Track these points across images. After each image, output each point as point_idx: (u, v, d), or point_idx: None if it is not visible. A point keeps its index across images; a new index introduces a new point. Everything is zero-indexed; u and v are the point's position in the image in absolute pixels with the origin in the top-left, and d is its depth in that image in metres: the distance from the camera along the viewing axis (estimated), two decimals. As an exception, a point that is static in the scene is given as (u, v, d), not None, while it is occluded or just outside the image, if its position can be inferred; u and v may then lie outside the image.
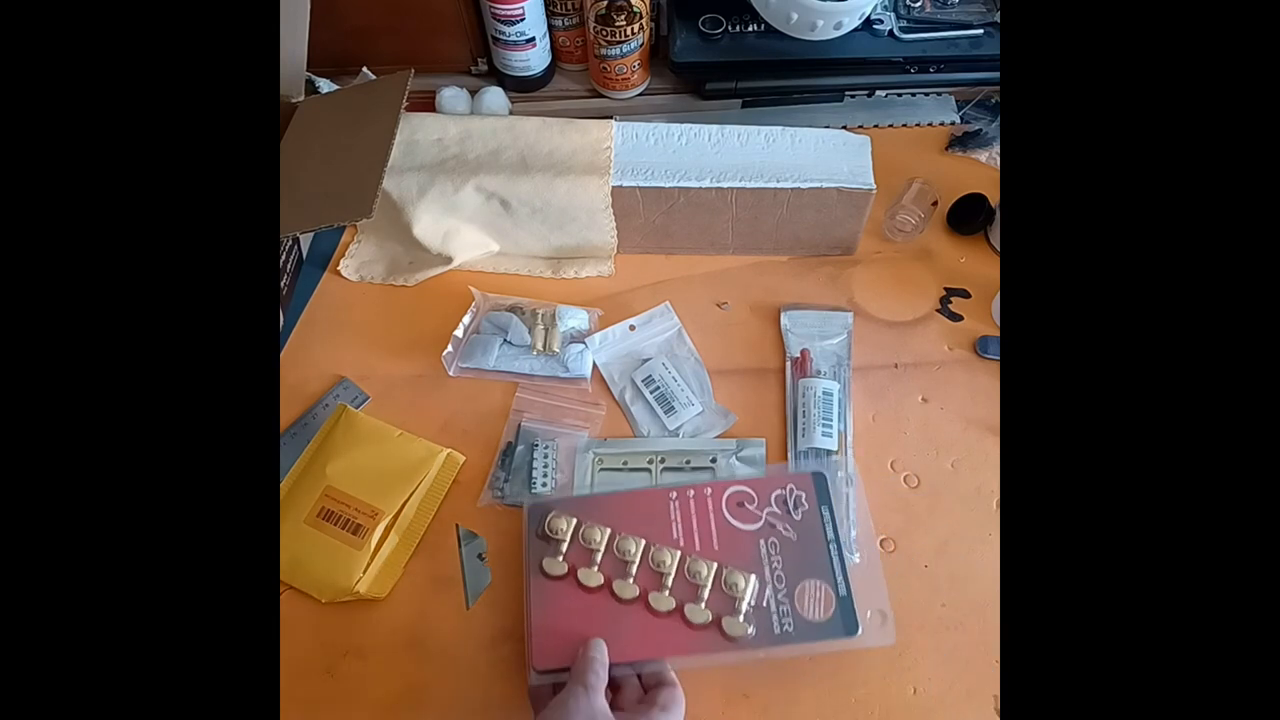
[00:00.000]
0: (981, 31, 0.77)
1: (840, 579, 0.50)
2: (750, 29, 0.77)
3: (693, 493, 0.53)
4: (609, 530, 0.52)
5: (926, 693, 0.51)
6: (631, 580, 0.50)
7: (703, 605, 0.49)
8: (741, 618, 0.48)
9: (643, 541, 0.51)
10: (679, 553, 0.51)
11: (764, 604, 0.49)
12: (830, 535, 0.51)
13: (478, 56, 0.81)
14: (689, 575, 0.50)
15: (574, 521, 0.52)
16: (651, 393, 0.61)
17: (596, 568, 0.51)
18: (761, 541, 0.51)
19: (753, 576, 0.50)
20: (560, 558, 0.51)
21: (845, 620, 0.48)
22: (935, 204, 0.69)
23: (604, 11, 0.72)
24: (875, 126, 0.78)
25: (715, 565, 0.50)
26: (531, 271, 0.69)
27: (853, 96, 0.80)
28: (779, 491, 0.53)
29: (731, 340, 0.65)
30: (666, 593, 0.50)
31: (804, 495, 0.53)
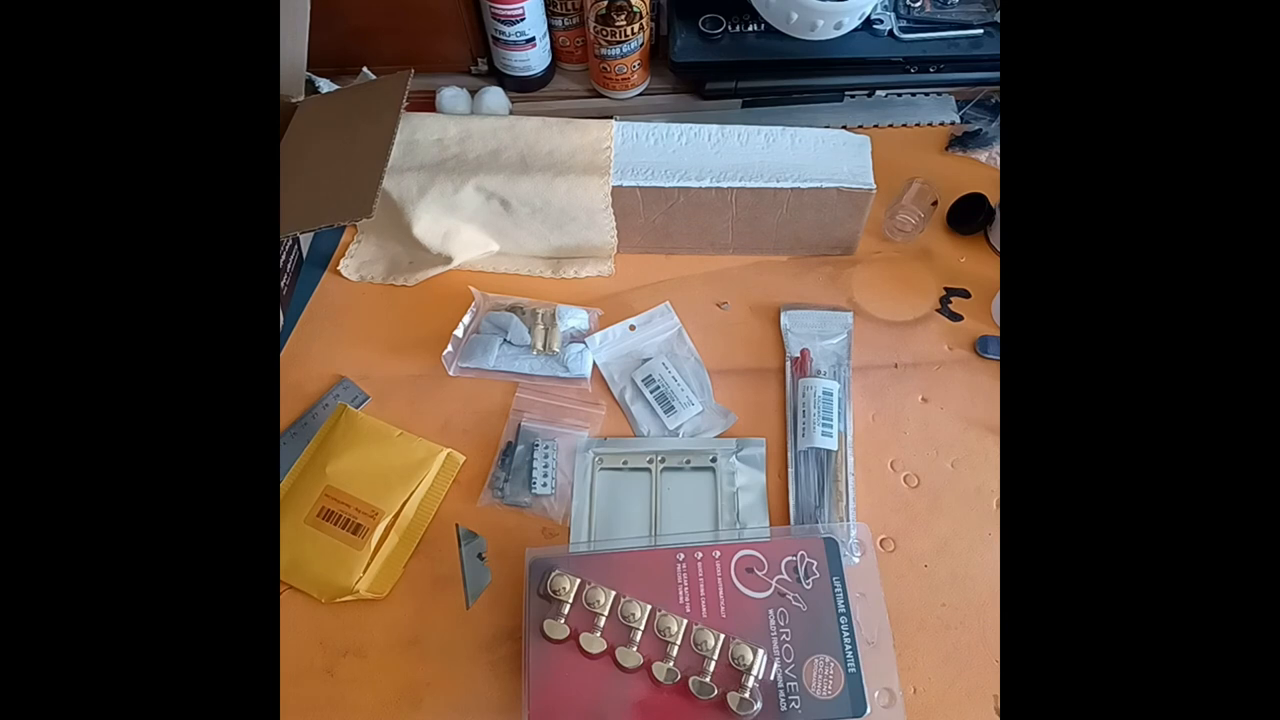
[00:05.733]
0: (981, 31, 0.77)
1: (850, 655, 0.48)
2: (750, 29, 0.77)
3: (700, 555, 0.51)
4: (613, 593, 0.50)
5: (926, 692, 0.51)
6: (635, 648, 0.48)
7: (708, 678, 0.47)
8: (747, 693, 0.47)
9: (648, 607, 0.49)
10: (685, 621, 0.49)
11: (771, 679, 0.48)
12: (841, 607, 0.50)
13: (478, 56, 0.81)
14: (695, 645, 0.48)
15: (577, 582, 0.50)
16: (651, 392, 0.61)
17: (599, 633, 0.49)
18: (770, 611, 0.50)
19: (760, 651, 0.48)
20: (562, 620, 0.49)
21: (854, 699, 0.47)
22: (935, 204, 0.69)
23: (604, 11, 0.72)
24: (875, 126, 0.78)
25: (722, 636, 0.48)
26: (531, 271, 0.69)
27: (853, 96, 0.80)
28: (790, 558, 0.51)
29: (731, 340, 0.65)
30: (671, 663, 0.48)
31: (815, 563, 0.51)
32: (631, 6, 0.72)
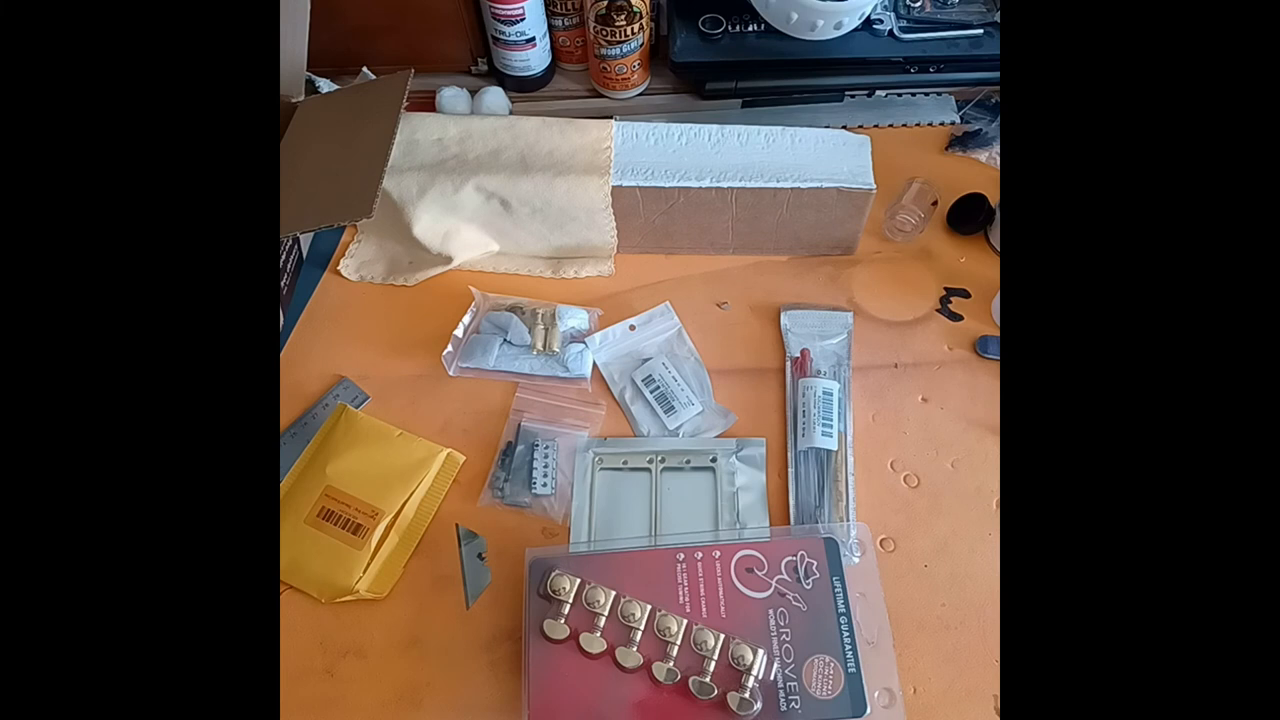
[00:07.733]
0: (981, 31, 0.77)
1: (850, 655, 0.48)
2: (750, 29, 0.77)
3: (700, 555, 0.51)
4: (613, 593, 0.50)
5: (926, 692, 0.51)
6: (635, 648, 0.48)
7: (708, 678, 0.47)
8: (747, 693, 0.47)
9: (648, 607, 0.49)
10: (685, 620, 0.49)
11: (771, 679, 0.48)
12: (841, 607, 0.50)
13: (478, 56, 0.81)
14: (695, 645, 0.48)
15: (577, 582, 0.50)
16: (651, 392, 0.61)
17: (599, 633, 0.49)
18: (770, 611, 0.50)
19: (760, 651, 0.48)
20: (562, 620, 0.49)
21: (854, 699, 0.47)
22: (935, 204, 0.69)
23: (604, 11, 0.72)
24: (875, 126, 0.78)
25: (722, 636, 0.48)
26: (531, 271, 0.69)
27: (853, 96, 0.80)
28: (790, 558, 0.51)
29: (731, 340, 0.65)
30: (671, 663, 0.48)
31: (815, 564, 0.51)
32: (631, 6, 0.72)
